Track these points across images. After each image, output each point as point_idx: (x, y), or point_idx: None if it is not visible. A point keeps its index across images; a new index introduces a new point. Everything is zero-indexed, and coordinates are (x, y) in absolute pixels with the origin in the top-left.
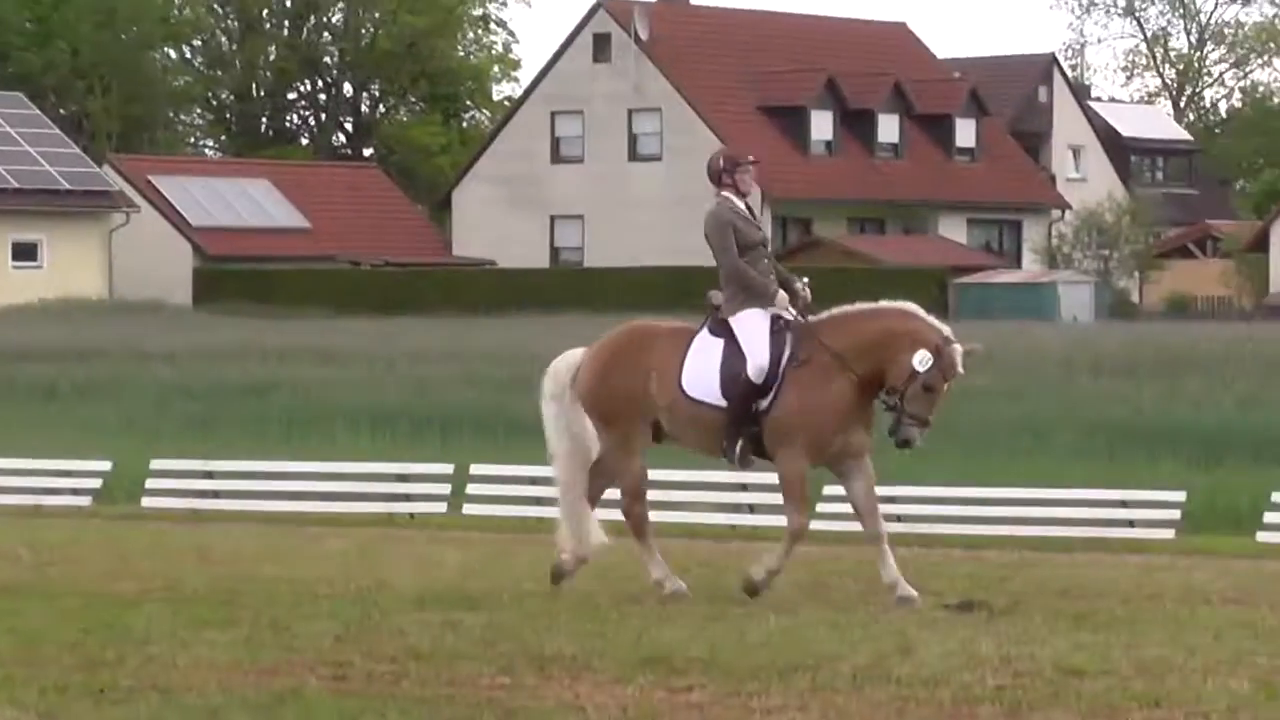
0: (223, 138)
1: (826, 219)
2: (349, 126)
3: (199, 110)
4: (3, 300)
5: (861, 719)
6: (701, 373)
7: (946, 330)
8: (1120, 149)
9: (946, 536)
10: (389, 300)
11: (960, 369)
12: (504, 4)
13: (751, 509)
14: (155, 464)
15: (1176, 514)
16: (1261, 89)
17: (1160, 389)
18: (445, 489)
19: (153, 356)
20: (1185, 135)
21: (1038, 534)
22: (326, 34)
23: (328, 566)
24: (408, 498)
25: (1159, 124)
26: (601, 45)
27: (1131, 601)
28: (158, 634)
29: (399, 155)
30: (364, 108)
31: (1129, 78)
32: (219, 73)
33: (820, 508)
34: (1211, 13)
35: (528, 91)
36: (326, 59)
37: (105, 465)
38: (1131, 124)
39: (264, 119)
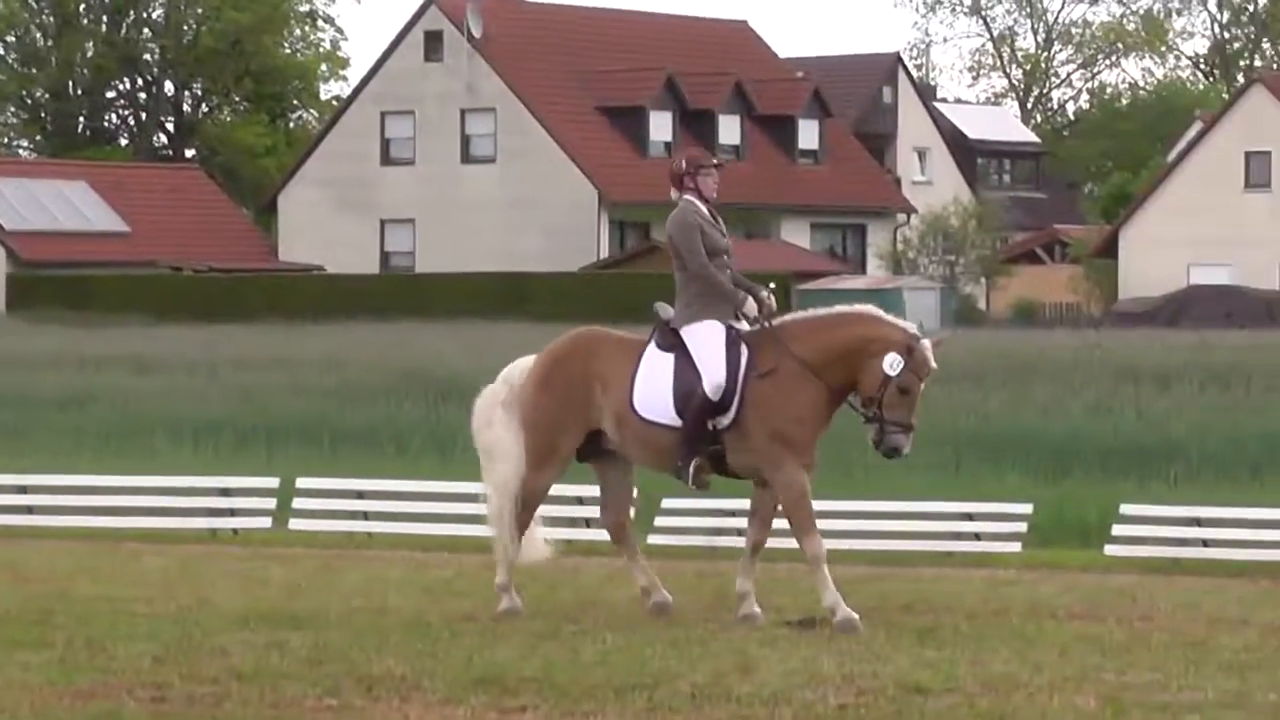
0: (38, 138)
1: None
2: (170, 127)
3: (12, 109)
4: None
5: None
6: (653, 391)
7: (912, 327)
8: (966, 151)
9: (788, 551)
10: (212, 307)
11: (933, 364)
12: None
13: (588, 523)
14: None
15: (1023, 526)
16: (1110, 90)
17: (1007, 398)
18: (270, 503)
19: None
20: (1033, 137)
21: (881, 547)
22: (147, 30)
23: (147, 585)
24: (231, 512)
25: (1006, 126)
26: (433, 43)
27: (977, 617)
28: None
29: (223, 156)
30: (186, 107)
31: (975, 78)
32: (34, 70)
33: (658, 521)
34: (1059, 12)
35: (357, 91)
36: (147, 56)
37: None
38: (978, 126)
39: (81, 118)
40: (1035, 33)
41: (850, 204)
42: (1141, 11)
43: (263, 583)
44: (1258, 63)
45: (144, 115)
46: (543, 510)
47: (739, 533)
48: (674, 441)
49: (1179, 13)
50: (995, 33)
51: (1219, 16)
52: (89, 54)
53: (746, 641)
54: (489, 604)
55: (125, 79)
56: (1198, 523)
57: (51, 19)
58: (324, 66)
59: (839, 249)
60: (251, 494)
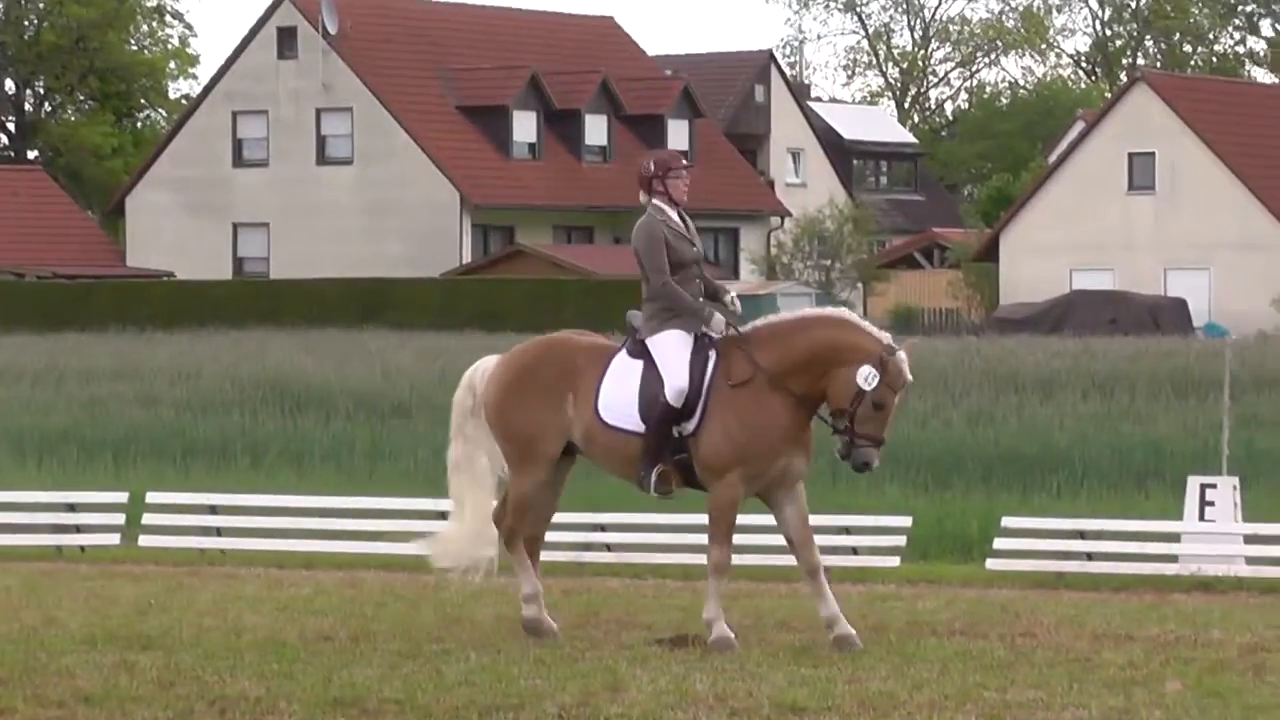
0: None
1: (530, 227)
2: (11, 126)
3: None
4: None
5: None
6: (618, 398)
7: (886, 337)
8: (842, 152)
9: (660, 566)
10: (56, 314)
11: (908, 376)
12: None
13: None
14: None
15: (902, 540)
16: (989, 89)
17: None
18: (119, 519)
19: None
20: (910, 138)
21: (757, 562)
22: None
23: None
24: (78, 529)
25: (882, 126)
26: (287, 40)
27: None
28: None
29: (67, 157)
30: (28, 106)
31: (850, 77)
32: None
33: None
34: (936, 9)
35: (207, 89)
36: None
37: None
38: (853, 126)
39: None
40: (912, 30)
41: (722, 207)
42: (1021, 8)
43: (111, 601)
44: (1140, 61)
45: None
46: (404, 524)
47: (608, 548)
48: (638, 448)
49: (1060, 9)
50: (871, 30)
51: (1100, 13)
52: None
53: (616, 660)
54: (347, 622)
55: None
56: (1081, 535)
57: None
58: (173, 64)
59: (710, 253)
60: (99, 509)
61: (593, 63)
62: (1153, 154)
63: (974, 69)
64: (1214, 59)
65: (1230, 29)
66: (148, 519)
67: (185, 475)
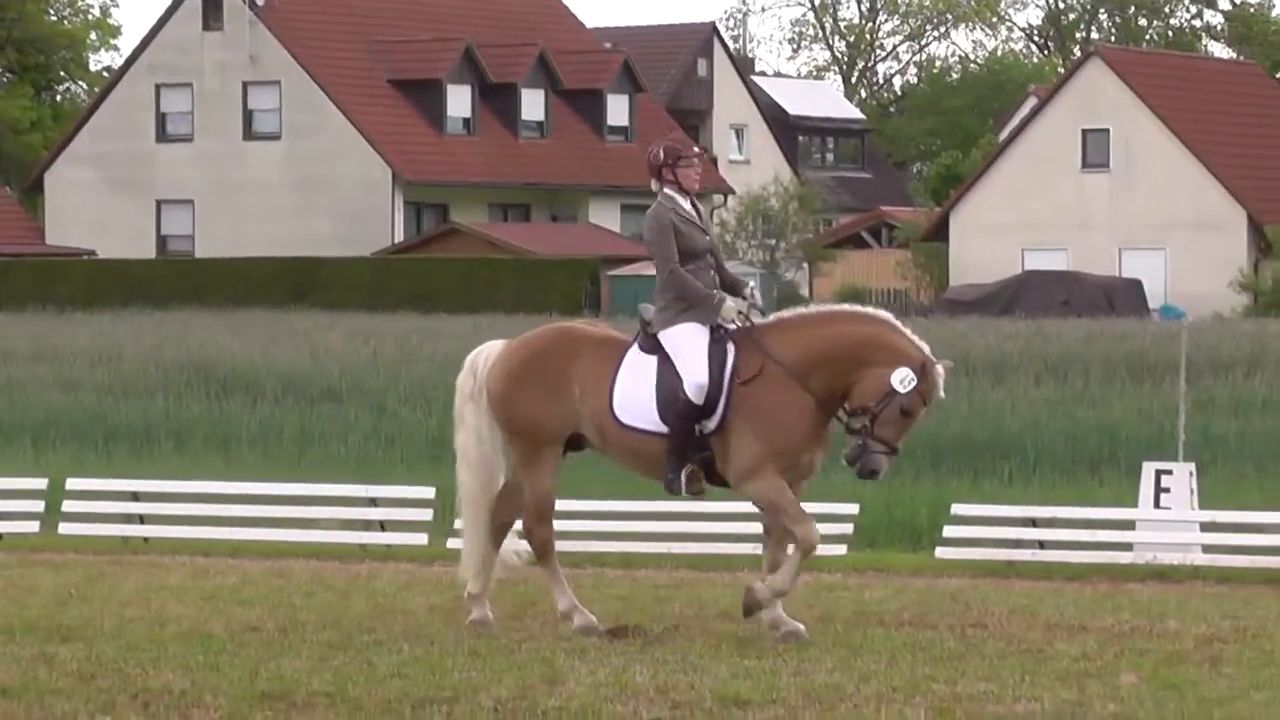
0: None
1: (465, 204)
2: None
3: None
4: None
5: None
6: (635, 396)
7: (926, 347)
8: (787, 128)
9: (599, 554)
10: None
11: (942, 393)
12: None
13: (383, 526)
14: None
15: (849, 528)
16: (939, 63)
17: None
18: (38, 506)
19: None
20: (857, 114)
21: (700, 550)
22: None
23: None
24: None
25: (828, 101)
26: (212, 10)
27: (800, 623)
28: None
29: None
30: None
31: (796, 50)
32: None
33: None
34: None
35: (129, 61)
36: None
37: None
38: (799, 101)
39: None
40: (859, 2)
41: None
42: None
43: (30, 591)
44: (1094, 35)
45: None
46: (335, 512)
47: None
48: (659, 449)
49: None
50: (817, 2)
51: None
52: None
53: (554, 652)
54: (275, 612)
55: None
56: (1033, 523)
57: None
58: (93, 35)
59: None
60: (17, 496)
61: (530, 35)
62: (1107, 131)
63: (923, 43)
64: (1170, 33)
65: (1186, 2)
66: (68, 506)
67: (107, 461)
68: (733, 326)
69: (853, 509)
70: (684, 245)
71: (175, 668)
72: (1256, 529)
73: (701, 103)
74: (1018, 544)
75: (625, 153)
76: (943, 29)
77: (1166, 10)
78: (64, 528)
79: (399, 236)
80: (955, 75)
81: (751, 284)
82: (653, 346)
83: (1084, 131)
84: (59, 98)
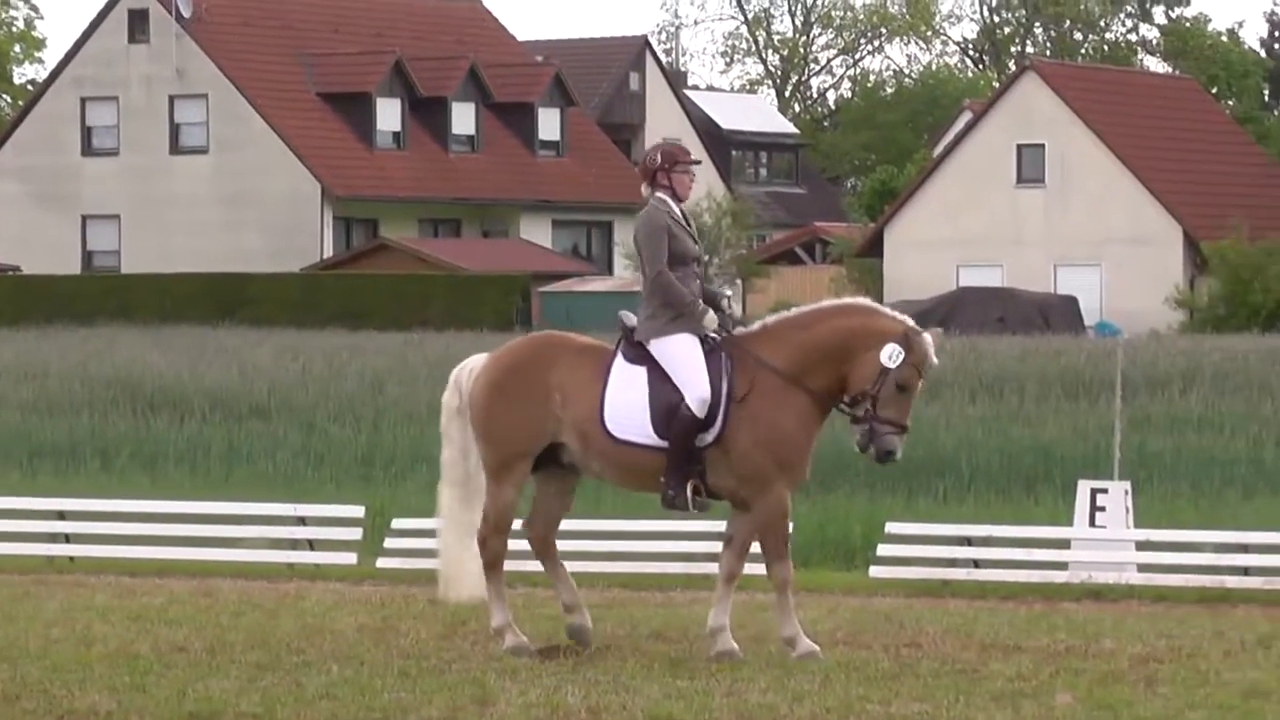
0: None
1: (395, 220)
2: None
3: None
4: None
5: None
6: (626, 409)
7: (909, 320)
8: (720, 142)
9: (529, 574)
10: None
11: (934, 360)
12: None
13: (312, 545)
14: None
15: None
16: (873, 78)
17: None
18: None
19: None
20: (791, 128)
21: (632, 570)
22: None
23: None
24: None
25: (762, 115)
26: (138, 22)
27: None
28: None
29: None
30: None
31: (729, 64)
32: None
33: (388, 543)
34: None
35: (54, 74)
36: None
37: None
38: (732, 115)
39: None
40: (793, 15)
41: (595, 199)
42: None
43: None
44: (1029, 49)
45: None
46: (263, 530)
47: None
48: (652, 462)
49: None
50: (750, 15)
51: None
52: None
53: (484, 672)
54: (203, 632)
55: None
56: (968, 542)
57: None
58: (17, 47)
59: (583, 248)
60: None
61: (460, 48)
62: (1042, 146)
63: (857, 56)
64: (1105, 47)
65: (1122, 16)
66: None
67: (31, 479)
68: (716, 336)
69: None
70: (676, 250)
71: (101, 689)
72: (1192, 548)
73: (634, 116)
74: (952, 563)
75: (557, 167)
76: (877, 43)
77: (1102, 24)
78: None
79: (328, 252)
80: (890, 89)
81: (729, 294)
82: (639, 356)
83: (1019, 147)
84: None
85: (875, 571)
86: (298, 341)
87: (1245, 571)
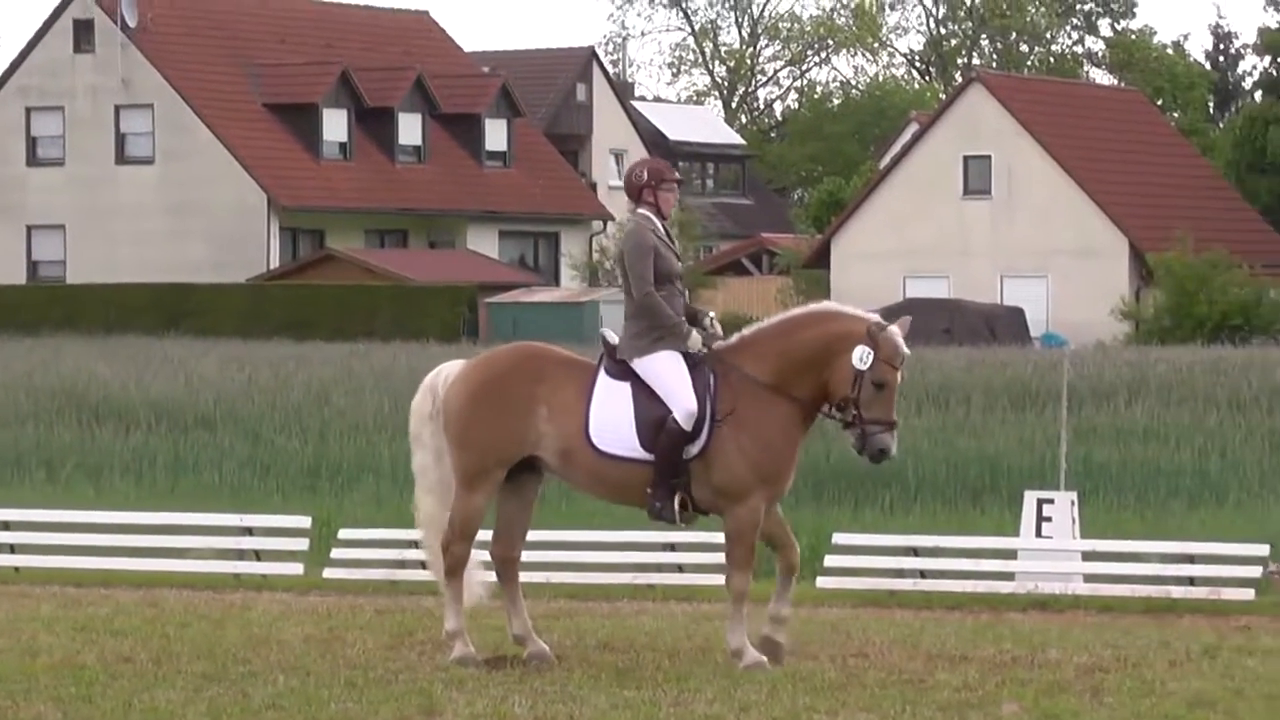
0: None
1: (341, 230)
2: None
3: None
4: None
5: None
6: (613, 424)
7: (874, 316)
8: (666, 153)
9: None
10: None
11: (905, 350)
12: None
13: (258, 555)
14: None
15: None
16: (820, 89)
17: None
18: None
19: None
20: (738, 139)
21: (578, 580)
22: None
23: None
24: None
25: (709, 126)
26: (84, 32)
27: (679, 654)
28: None
29: None
30: None
31: (675, 75)
32: None
33: (334, 554)
34: (765, 5)
35: None
36: None
37: None
38: (678, 126)
39: None
40: (740, 27)
41: (541, 210)
42: (853, 5)
43: None
44: (976, 61)
45: None
46: (209, 541)
47: (422, 565)
48: (638, 476)
49: (893, 7)
50: (697, 26)
51: (935, 11)
52: None
53: (431, 682)
54: (148, 643)
55: None
56: (914, 552)
57: None
58: None
59: (530, 259)
60: None
61: (407, 59)
62: (989, 157)
63: (804, 68)
64: (1051, 59)
65: (1068, 28)
66: None
67: None
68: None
69: None
70: (661, 268)
71: (47, 700)
72: (1137, 558)
73: (581, 127)
74: (899, 573)
75: (504, 178)
76: (824, 54)
77: (1048, 37)
78: None
79: (274, 263)
80: (836, 101)
81: (711, 314)
82: (622, 372)
83: (965, 158)
84: None
85: (822, 582)
86: (244, 352)
87: (1190, 582)
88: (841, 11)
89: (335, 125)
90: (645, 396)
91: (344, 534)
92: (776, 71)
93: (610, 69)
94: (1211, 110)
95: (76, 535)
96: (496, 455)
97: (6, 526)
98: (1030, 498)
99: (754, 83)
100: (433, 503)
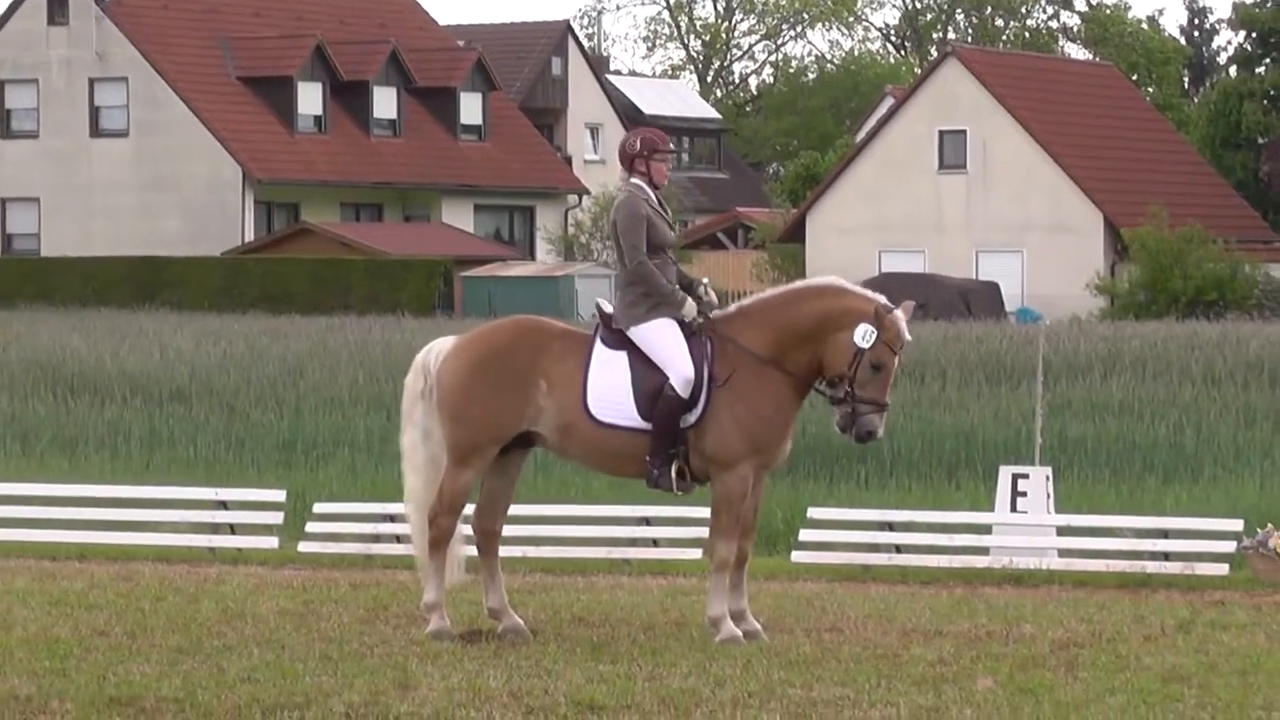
0: None
1: (317, 204)
2: None
3: None
4: None
5: None
6: (611, 394)
7: (881, 298)
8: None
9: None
10: None
11: (907, 336)
12: None
13: (233, 529)
14: None
15: (704, 531)
16: (795, 63)
17: None
18: None
19: None
20: (713, 113)
21: (554, 554)
22: None
23: None
24: None
25: (684, 101)
26: (57, 5)
27: (655, 628)
28: None
29: None
30: None
31: (651, 49)
32: None
33: (310, 527)
34: None
35: None
36: None
37: None
38: (654, 100)
39: None
40: (715, 1)
41: (517, 184)
42: None
43: None
44: (951, 35)
45: None
46: (184, 515)
47: (397, 539)
48: (636, 445)
49: None
50: (672, 1)
51: None
52: None
53: (406, 657)
54: (123, 617)
55: None
56: (889, 527)
57: None
58: None
59: (505, 232)
60: None
61: (382, 33)
62: (964, 132)
63: (779, 42)
64: (1026, 34)
65: (1043, 3)
66: None
67: None
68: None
69: (706, 512)
70: (654, 238)
71: (21, 673)
72: (1112, 533)
73: (556, 101)
74: (874, 548)
75: (479, 151)
76: (799, 28)
77: (1023, 11)
78: None
79: (249, 236)
80: (812, 75)
81: (705, 281)
82: (619, 342)
83: (940, 133)
84: None
85: (797, 556)
86: (219, 325)
87: (1165, 557)
88: None
89: (310, 99)
90: (642, 365)
91: (319, 508)
92: (752, 46)
93: (585, 43)
94: (1186, 85)
95: (51, 509)
96: (492, 432)
97: None
98: (1005, 472)
99: (729, 57)
100: (419, 480)
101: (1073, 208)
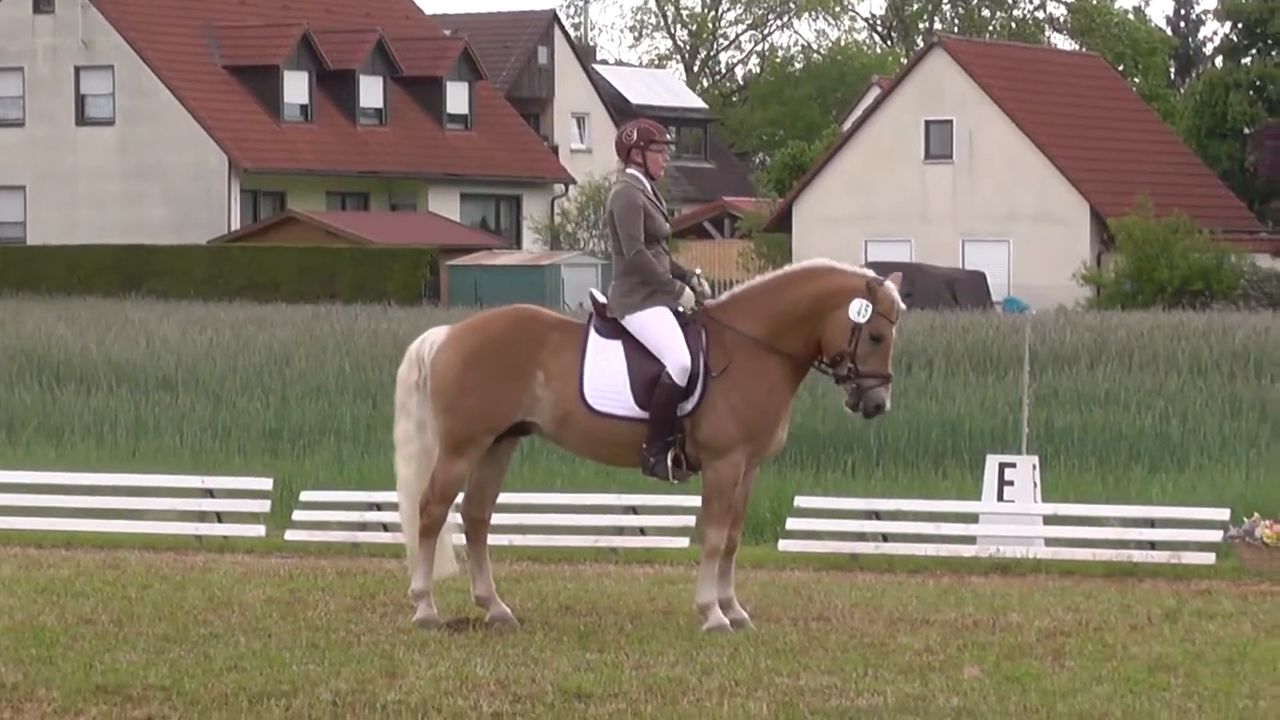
0: None
1: (303, 193)
2: None
3: None
4: None
5: None
6: (607, 383)
7: (869, 271)
8: (628, 117)
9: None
10: None
11: (901, 305)
12: None
13: (219, 517)
14: None
15: (690, 520)
16: (781, 53)
17: None
18: None
19: None
20: (700, 103)
21: (541, 543)
22: None
23: None
24: None
25: (670, 90)
26: None
27: (642, 617)
28: None
29: None
30: None
31: (637, 39)
32: None
33: (296, 515)
34: None
35: None
36: None
37: None
38: (640, 90)
39: None
40: None
41: (503, 173)
42: None
43: None
44: (938, 25)
45: None
46: (170, 503)
47: (384, 527)
48: (632, 434)
49: None
50: None
51: None
52: None
53: (393, 645)
54: (110, 605)
55: None
56: (876, 516)
57: None
58: None
59: (491, 221)
60: None
61: (368, 21)
62: (950, 122)
63: (766, 32)
64: (1013, 24)
65: None
66: None
67: None
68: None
69: (695, 501)
70: (649, 228)
71: (8, 661)
72: (1098, 522)
73: (542, 91)
74: (861, 537)
75: (465, 141)
76: (785, 18)
77: (1009, 1)
78: None
79: (235, 224)
80: (798, 65)
81: (698, 271)
82: (613, 331)
83: (927, 123)
84: None
85: (784, 545)
86: (205, 314)
87: (1151, 546)
88: None
89: (296, 87)
90: (638, 354)
91: (305, 496)
92: (738, 35)
93: (572, 32)
94: (1172, 75)
95: (38, 496)
96: (487, 422)
97: None
98: (992, 462)
99: (716, 46)
100: (412, 471)
101: (1059, 198)
